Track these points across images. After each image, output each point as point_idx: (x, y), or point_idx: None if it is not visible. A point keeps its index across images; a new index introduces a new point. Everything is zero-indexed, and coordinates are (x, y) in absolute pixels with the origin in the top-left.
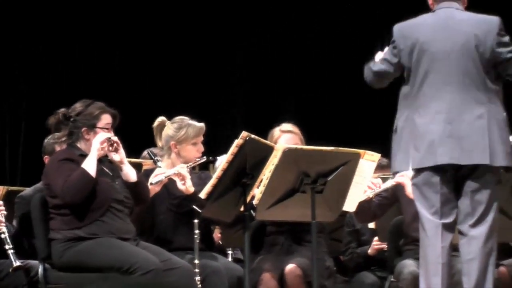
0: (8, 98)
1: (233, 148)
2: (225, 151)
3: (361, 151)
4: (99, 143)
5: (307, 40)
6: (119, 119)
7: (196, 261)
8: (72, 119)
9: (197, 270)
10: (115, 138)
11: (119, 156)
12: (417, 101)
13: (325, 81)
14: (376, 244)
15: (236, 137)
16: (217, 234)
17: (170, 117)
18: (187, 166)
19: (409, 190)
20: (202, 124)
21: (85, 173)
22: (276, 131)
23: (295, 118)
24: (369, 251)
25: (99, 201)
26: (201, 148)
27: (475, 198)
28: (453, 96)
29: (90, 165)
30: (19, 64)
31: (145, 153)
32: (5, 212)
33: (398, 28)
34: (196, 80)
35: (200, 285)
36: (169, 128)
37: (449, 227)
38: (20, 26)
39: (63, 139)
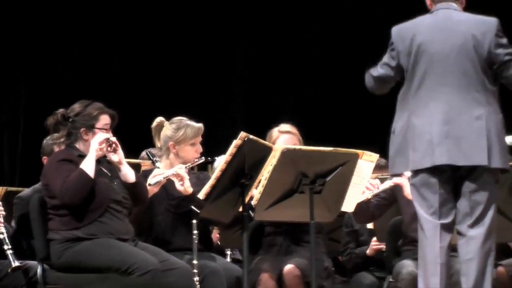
0: (7, 98)
1: (231, 149)
2: (224, 151)
3: (359, 151)
4: (97, 144)
5: (307, 40)
6: (118, 120)
7: (195, 262)
8: (70, 120)
9: (195, 271)
10: (114, 139)
11: (118, 156)
12: (415, 102)
13: (324, 82)
14: (375, 244)
15: (236, 138)
16: (215, 235)
17: (169, 118)
18: (186, 167)
19: (408, 191)
20: (200, 125)
21: (83, 174)
22: (275, 131)
23: (294, 118)
24: (368, 251)
25: (97, 201)
26: (200, 148)
27: (473, 199)
28: (451, 96)
29: (88, 166)
30: (19, 64)
31: (143, 153)
32: (3, 213)
33: (396, 30)
34: (196, 80)
35: (198, 285)
36: (167, 128)
37: (448, 228)
38: (20, 26)
39: (62, 139)
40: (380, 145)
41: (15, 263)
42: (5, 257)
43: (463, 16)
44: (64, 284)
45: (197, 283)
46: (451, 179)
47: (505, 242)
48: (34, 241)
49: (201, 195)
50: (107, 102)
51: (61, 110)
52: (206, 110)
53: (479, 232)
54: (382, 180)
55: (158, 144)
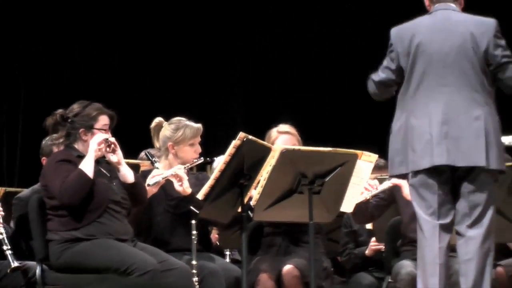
0: (6, 98)
1: (230, 149)
2: (223, 151)
3: (358, 152)
4: (96, 144)
5: (307, 40)
6: (117, 120)
7: (194, 262)
8: (69, 120)
9: (194, 271)
10: (113, 139)
11: (117, 157)
12: (413, 102)
13: (323, 82)
14: (374, 245)
15: (234, 138)
16: (214, 235)
17: (168, 118)
18: (185, 167)
19: (406, 192)
20: (199, 125)
21: (82, 174)
22: (274, 132)
23: (293, 118)
24: (367, 251)
25: (96, 202)
26: (199, 149)
27: (472, 199)
28: (450, 97)
29: (87, 166)
30: (19, 64)
31: (142, 154)
32: (2, 213)
33: (395, 31)
34: (195, 80)
35: (197, 286)
36: (166, 129)
37: (447, 228)
38: (20, 26)
39: (61, 140)
40: (379, 146)
41: (15, 264)
42: (5, 257)
43: (461, 16)
44: (63, 284)
45: (196, 283)
46: (450, 179)
47: (504, 243)
48: (33, 241)
49: (200, 196)
50: (106, 102)
51: (60, 111)
52: (205, 111)
53: (478, 232)
54: (381, 181)
55: (157, 144)
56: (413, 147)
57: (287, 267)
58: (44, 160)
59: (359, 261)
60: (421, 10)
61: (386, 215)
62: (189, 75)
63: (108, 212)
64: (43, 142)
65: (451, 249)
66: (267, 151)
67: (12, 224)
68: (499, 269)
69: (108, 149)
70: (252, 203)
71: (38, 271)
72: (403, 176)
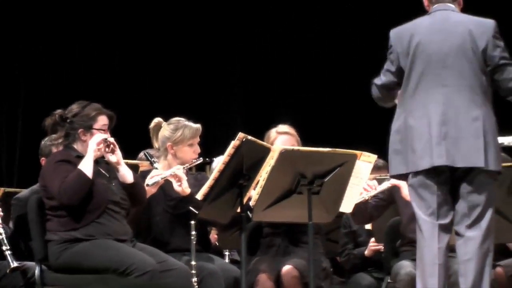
0: (5, 99)
1: (229, 149)
2: (222, 152)
3: (357, 152)
4: (95, 144)
5: (306, 41)
6: (116, 121)
7: (193, 263)
8: (68, 121)
9: (193, 272)
10: (112, 139)
11: (116, 157)
12: (413, 102)
13: (322, 82)
14: (373, 245)
15: (234, 138)
16: (213, 235)
17: (167, 118)
18: (184, 168)
19: (405, 192)
20: (198, 125)
21: (81, 174)
22: (273, 132)
23: (292, 119)
24: (366, 252)
25: (95, 202)
26: (198, 149)
27: (471, 200)
28: (449, 97)
29: (86, 166)
30: (19, 64)
31: (141, 154)
32: (1, 214)
33: (394, 32)
34: (194, 80)
35: (196, 286)
36: (165, 129)
37: (446, 228)
38: (20, 26)
39: (60, 140)
40: (378, 146)
41: (14, 264)
42: (4, 258)
43: (460, 17)
44: (62, 285)
45: (195, 284)
46: (449, 179)
47: (504, 243)
48: (32, 242)
49: (199, 196)
50: (105, 102)
51: (59, 111)
52: (205, 111)
53: (477, 232)
54: (380, 181)
55: (156, 144)
56: (413, 148)
57: (286, 268)
58: (43, 160)
59: (358, 262)
60: (421, 10)
61: (385, 216)
62: (188, 75)
63: (107, 212)
64: (42, 142)
65: (450, 249)
66: (266, 151)
67: (11, 224)
68: (498, 269)
69: (107, 149)
70: (251, 203)
71: (37, 271)
72: (403, 177)
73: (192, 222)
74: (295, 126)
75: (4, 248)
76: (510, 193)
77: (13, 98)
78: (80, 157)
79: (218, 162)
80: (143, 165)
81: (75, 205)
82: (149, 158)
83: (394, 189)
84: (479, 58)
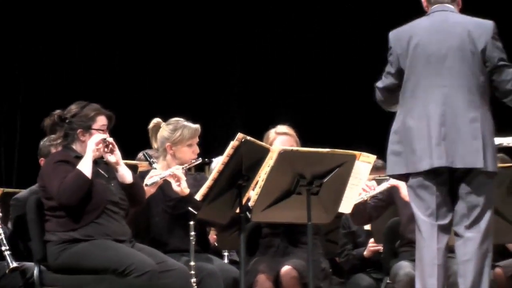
0: (4, 99)
1: (228, 150)
2: (222, 152)
3: (356, 152)
4: (94, 144)
5: (306, 41)
6: (115, 121)
7: (192, 263)
8: (67, 121)
9: (192, 272)
10: (111, 139)
11: (115, 157)
12: (412, 103)
13: (321, 83)
14: (372, 245)
15: (233, 139)
16: (212, 236)
17: (166, 118)
18: (183, 168)
19: (404, 192)
20: (197, 126)
21: (80, 174)
22: (272, 133)
23: (292, 119)
24: (365, 252)
25: (94, 202)
26: (197, 149)
27: (470, 200)
28: (448, 98)
29: (85, 166)
30: (19, 64)
31: (140, 155)
32: (0, 214)
33: (393, 34)
34: (193, 81)
35: (195, 287)
36: (164, 129)
37: (445, 229)
38: (20, 26)
39: (59, 141)
40: (377, 146)
41: (13, 264)
42: (2, 258)
43: (459, 17)
44: (61, 285)
45: (194, 284)
46: (448, 180)
47: (503, 244)
48: (30, 242)
49: (198, 196)
50: (104, 103)
51: (57, 111)
52: (204, 111)
53: (476, 233)
54: (379, 182)
55: (154, 145)
56: (412, 148)
57: (285, 268)
58: (42, 160)
59: (358, 262)
60: (420, 10)
61: (384, 216)
62: (188, 76)
63: (106, 213)
64: (41, 142)
65: (450, 250)
66: (265, 152)
67: (9, 225)
68: (498, 270)
69: (106, 149)
70: (250, 204)
71: (35, 272)
72: (402, 177)
73: (191, 222)
74: (294, 126)
75: (3, 248)
76: (509, 194)
77: (12, 98)
78: (79, 157)
79: (217, 163)
80: (142, 166)
81: (74, 205)
82: (148, 159)
83: (393, 190)
84: (478, 59)
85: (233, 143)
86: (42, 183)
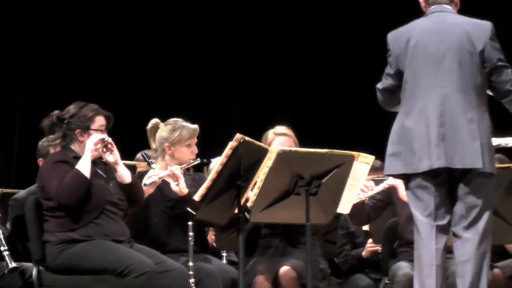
0: (3, 99)
1: (227, 150)
2: (220, 153)
3: (355, 153)
4: (93, 144)
5: (305, 41)
6: (113, 121)
7: (191, 264)
8: (66, 121)
9: (191, 273)
10: (109, 139)
11: (114, 157)
12: (411, 104)
13: (320, 84)
14: (370, 246)
15: (231, 139)
16: (211, 236)
17: (165, 119)
18: (181, 168)
19: (402, 192)
20: (196, 126)
21: (79, 174)
22: (270, 133)
23: (291, 120)
24: (363, 253)
25: (93, 203)
26: (195, 149)
27: (468, 201)
28: (446, 99)
29: (84, 166)
30: (19, 64)
31: (139, 155)
32: None
33: (392, 35)
34: (194, 81)
35: (194, 287)
36: (162, 130)
37: (443, 229)
38: (20, 26)
39: (57, 141)
40: (375, 147)
41: (12, 264)
42: (2, 258)
43: (457, 18)
44: (60, 286)
45: (192, 285)
46: (446, 181)
47: (501, 244)
48: (29, 243)
49: (196, 197)
50: (102, 103)
51: (56, 112)
52: (204, 111)
53: (474, 234)
54: (377, 182)
55: (153, 145)
56: (411, 149)
57: (284, 268)
58: (40, 161)
59: (356, 263)
60: (420, 11)
61: (383, 217)
62: (188, 76)
63: (105, 213)
64: (40, 143)
65: (448, 250)
66: (264, 152)
67: (8, 225)
68: (496, 270)
69: (104, 149)
70: (249, 204)
71: (34, 272)
72: (400, 176)
73: (190, 223)
74: (293, 126)
75: (2, 248)
76: (508, 195)
77: (11, 99)
78: (78, 158)
79: (216, 163)
80: (141, 166)
81: (73, 205)
82: (147, 159)
83: (392, 190)
84: (476, 60)
85: (231, 144)
86: (41, 184)
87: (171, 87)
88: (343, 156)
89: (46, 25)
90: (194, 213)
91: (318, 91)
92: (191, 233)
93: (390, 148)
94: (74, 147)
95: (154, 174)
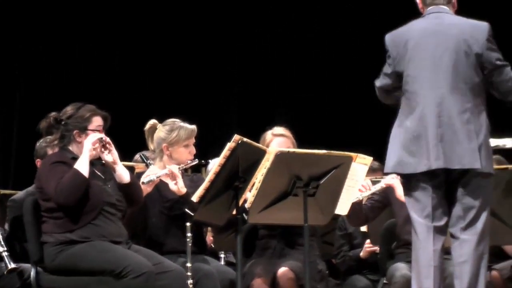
0: (1, 100)
1: (225, 151)
2: (218, 154)
3: (353, 154)
4: (91, 144)
5: (304, 42)
6: (111, 122)
7: (189, 265)
8: (63, 123)
9: (189, 274)
10: (107, 139)
11: (112, 156)
12: (409, 105)
13: (319, 84)
14: (368, 246)
15: (230, 140)
16: (209, 237)
17: (165, 119)
18: (179, 168)
19: (400, 192)
20: (193, 126)
21: (78, 174)
22: (268, 134)
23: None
24: (361, 253)
25: (91, 204)
26: (193, 150)
27: (466, 202)
28: (443, 100)
29: (82, 166)
30: (19, 65)
31: (137, 156)
32: None
33: (390, 37)
34: (193, 81)
35: None
36: (160, 130)
37: (441, 230)
38: (20, 26)
39: (55, 142)
40: (374, 148)
41: (11, 265)
42: (1, 259)
43: (455, 19)
44: (58, 287)
45: (190, 286)
46: (444, 182)
47: (499, 245)
48: (27, 243)
49: (194, 198)
50: (101, 104)
51: (53, 114)
52: (201, 112)
53: (472, 235)
54: (375, 183)
55: (151, 146)
56: (409, 150)
57: (282, 270)
58: (38, 162)
59: (354, 264)
60: (418, 11)
61: (381, 218)
62: (187, 76)
63: (103, 214)
64: (37, 144)
65: (446, 251)
66: (262, 153)
67: (6, 226)
68: (494, 272)
69: (102, 148)
70: (247, 205)
71: (32, 273)
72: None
73: (188, 224)
74: (292, 127)
75: (1, 249)
76: (505, 196)
77: (9, 100)
78: (76, 158)
79: (214, 164)
80: (139, 167)
81: (71, 205)
82: (145, 160)
83: (389, 191)
84: (473, 61)
85: (229, 145)
86: (39, 184)
87: (170, 88)
88: (341, 157)
89: (46, 25)
90: (192, 214)
91: (317, 91)
92: (189, 234)
93: (389, 148)
94: (72, 148)
95: (152, 173)
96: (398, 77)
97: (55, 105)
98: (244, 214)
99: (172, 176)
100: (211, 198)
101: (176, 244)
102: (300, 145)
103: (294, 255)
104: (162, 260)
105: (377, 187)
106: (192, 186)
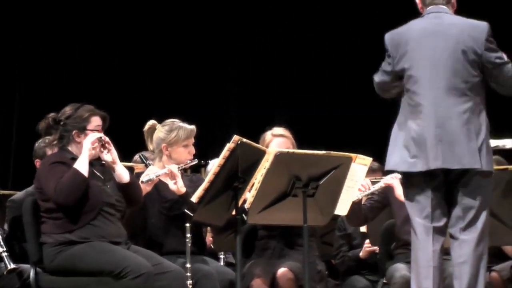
0: (1, 100)
1: (224, 152)
2: (218, 154)
3: (352, 155)
4: (90, 143)
5: (304, 42)
6: (110, 123)
7: (188, 265)
8: (62, 123)
9: (188, 274)
10: (106, 138)
11: (111, 156)
12: (410, 105)
13: (320, 84)
14: (368, 246)
15: (229, 141)
16: (209, 238)
17: (164, 119)
18: (179, 168)
19: (399, 192)
20: (193, 127)
21: (77, 173)
22: (268, 135)
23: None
24: (361, 253)
25: (90, 204)
26: (193, 150)
27: (465, 203)
28: (442, 100)
29: (82, 165)
30: (19, 64)
31: (136, 157)
32: None
33: (389, 37)
34: (192, 81)
35: None
36: (160, 130)
37: (440, 231)
38: (20, 26)
39: (54, 142)
40: (373, 149)
41: (11, 265)
42: (0, 259)
43: (454, 19)
44: (57, 287)
45: (190, 286)
46: (443, 182)
47: (498, 246)
48: (26, 244)
49: (194, 199)
50: (101, 104)
51: (52, 114)
52: (201, 112)
53: (471, 235)
54: (375, 183)
55: (150, 147)
56: (408, 150)
57: (282, 270)
58: (37, 162)
59: (353, 264)
60: (418, 10)
61: (380, 218)
62: (187, 76)
63: (102, 214)
64: (36, 144)
65: (445, 252)
66: (261, 154)
67: (5, 226)
68: (493, 274)
69: (102, 148)
70: (246, 206)
71: (31, 274)
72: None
73: (187, 224)
74: (292, 127)
75: (0, 250)
76: (505, 196)
77: (9, 100)
78: (75, 159)
79: (213, 165)
80: (138, 168)
81: (71, 205)
82: (144, 161)
83: (389, 190)
84: (473, 61)
85: (229, 145)
86: (39, 185)
87: (170, 88)
88: (340, 157)
89: (46, 25)
90: (192, 214)
91: (317, 91)
92: (188, 235)
93: (391, 146)
94: (71, 148)
95: (152, 172)
96: (396, 76)
97: (54, 105)
98: (243, 215)
99: (172, 176)
100: (210, 198)
101: (175, 245)
102: (299, 146)
103: (294, 255)
104: (161, 260)
105: (377, 186)
106: (192, 186)
